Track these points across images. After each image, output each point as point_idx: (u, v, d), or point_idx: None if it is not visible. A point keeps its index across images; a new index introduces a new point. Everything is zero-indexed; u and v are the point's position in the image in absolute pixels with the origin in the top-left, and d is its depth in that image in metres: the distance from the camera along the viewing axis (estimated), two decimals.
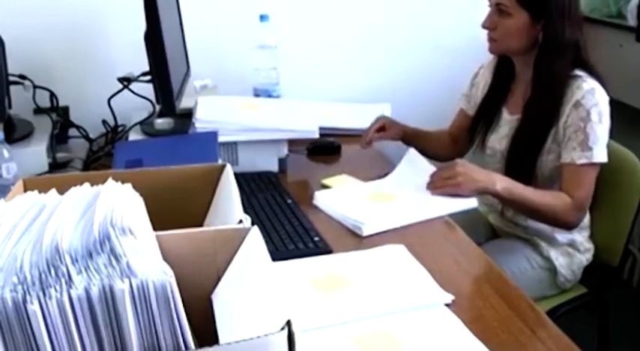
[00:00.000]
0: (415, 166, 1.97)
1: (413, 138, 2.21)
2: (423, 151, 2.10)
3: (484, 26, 1.96)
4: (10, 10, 2.29)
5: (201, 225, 1.35)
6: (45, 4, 2.37)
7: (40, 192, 0.99)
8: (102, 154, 2.10)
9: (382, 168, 2.06)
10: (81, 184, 1.01)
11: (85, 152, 2.16)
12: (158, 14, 1.89)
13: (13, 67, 2.07)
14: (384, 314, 1.32)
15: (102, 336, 0.78)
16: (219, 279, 1.04)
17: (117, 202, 0.91)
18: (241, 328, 0.91)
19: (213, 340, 0.89)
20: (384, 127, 2.19)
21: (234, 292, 1.00)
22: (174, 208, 1.21)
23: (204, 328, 0.96)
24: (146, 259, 0.80)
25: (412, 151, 2.04)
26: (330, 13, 2.66)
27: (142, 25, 1.95)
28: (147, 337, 0.79)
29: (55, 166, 2.00)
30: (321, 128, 2.09)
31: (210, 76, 2.42)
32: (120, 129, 2.20)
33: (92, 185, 0.99)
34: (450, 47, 2.72)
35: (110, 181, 0.98)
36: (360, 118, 2.36)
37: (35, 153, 1.97)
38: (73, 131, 2.23)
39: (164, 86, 1.93)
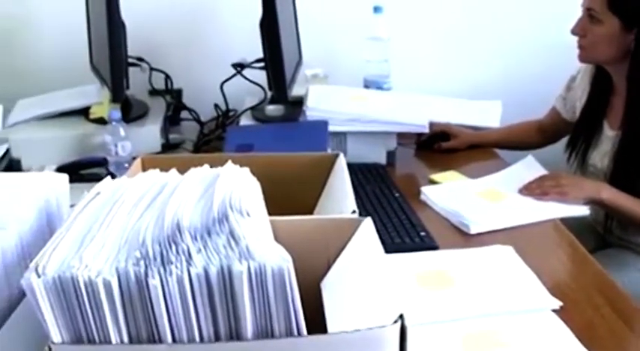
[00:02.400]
0: (530, 169, 1.92)
1: (488, 146, 2.18)
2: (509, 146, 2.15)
3: (573, 32, 1.88)
4: None
5: (310, 213, 1.35)
6: None
7: (155, 170, 1.01)
8: (212, 138, 2.14)
9: (492, 166, 2.01)
10: (196, 164, 1.02)
11: (195, 135, 2.19)
12: (275, 2, 1.90)
13: (132, 50, 2.12)
14: (490, 315, 1.29)
15: (217, 316, 0.78)
16: (329, 267, 1.04)
17: (235, 185, 0.92)
18: (350, 317, 0.90)
19: (321, 327, 0.88)
20: (447, 135, 2.16)
21: (344, 281, 1.00)
22: (285, 194, 1.21)
23: (310, 314, 0.95)
24: (265, 242, 0.80)
25: (530, 158, 1.98)
26: (444, 7, 2.61)
27: (257, 12, 1.96)
28: (261, 321, 0.79)
29: (168, 147, 2.05)
30: (430, 123, 2.06)
31: (322, 66, 2.42)
32: (231, 114, 2.22)
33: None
34: (568, 45, 2.63)
35: (229, 163, 0.99)
36: (470, 115, 2.32)
37: (149, 133, 2.02)
38: (185, 114, 2.27)
39: (277, 73, 1.94)
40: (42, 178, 1.04)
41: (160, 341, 0.79)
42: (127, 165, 1.90)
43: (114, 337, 0.79)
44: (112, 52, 1.96)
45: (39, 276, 0.77)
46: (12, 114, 2.20)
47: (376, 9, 2.34)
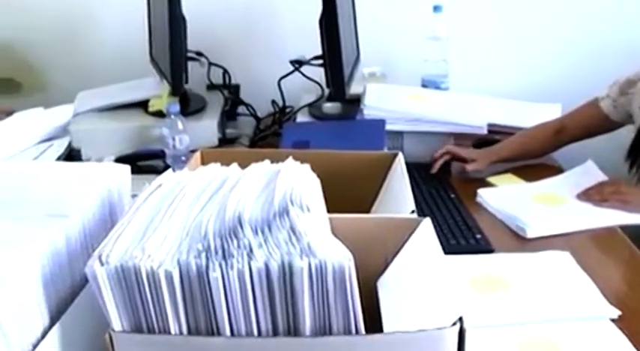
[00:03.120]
0: (589, 174, 1.88)
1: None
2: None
3: None
4: None
5: (366, 211, 1.35)
6: None
7: (216, 164, 1.02)
8: (269, 133, 2.15)
9: (549, 170, 1.98)
10: (254, 159, 1.03)
11: (252, 130, 2.21)
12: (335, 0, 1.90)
13: (191, 44, 2.14)
14: (547, 322, 1.27)
15: (276, 311, 0.78)
16: (386, 266, 1.03)
17: (296, 181, 0.92)
18: (407, 318, 0.90)
19: (375, 326, 0.88)
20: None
21: (401, 281, 0.99)
22: (341, 191, 1.21)
23: (365, 313, 0.95)
24: (326, 239, 0.80)
25: (590, 163, 1.94)
26: (505, 8, 2.58)
27: (316, 9, 1.96)
28: (319, 317, 0.79)
29: (224, 141, 2.06)
30: (488, 124, 2.03)
31: (379, 64, 2.41)
32: (287, 110, 2.23)
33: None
34: (631, 47, 2.58)
35: (290, 160, 0.99)
36: (528, 117, 2.28)
37: (207, 127, 2.04)
38: (241, 109, 2.29)
39: (336, 71, 1.94)
40: (105, 168, 1.06)
41: (219, 334, 0.79)
42: (183, 158, 1.92)
43: (173, 328, 0.79)
44: (172, 46, 1.98)
45: (102, 264, 0.78)
46: (73, 105, 2.24)
47: (436, 8, 2.32)
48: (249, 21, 2.48)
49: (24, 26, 2.53)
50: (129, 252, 0.79)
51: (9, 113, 2.29)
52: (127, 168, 1.07)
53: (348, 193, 1.27)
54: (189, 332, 0.80)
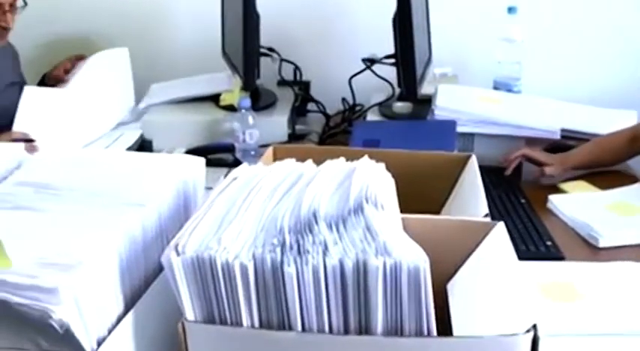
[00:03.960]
0: None
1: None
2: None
3: None
4: None
5: (436, 212, 1.33)
6: None
7: (291, 160, 1.02)
8: (338, 131, 2.14)
9: (624, 179, 1.93)
10: (327, 156, 1.03)
11: (321, 127, 2.21)
12: None
13: (263, 40, 2.16)
14: (620, 335, 1.24)
15: (349, 308, 0.78)
16: (456, 269, 1.02)
17: (372, 179, 0.92)
18: (477, 322, 0.88)
19: (444, 329, 0.87)
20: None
21: (473, 284, 0.98)
22: (411, 191, 1.20)
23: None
24: (402, 239, 0.79)
25: None
26: (582, 11, 2.53)
27: (390, 8, 1.95)
28: (391, 318, 0.78)
29: (294, 137, 2.07)
30: (561, 130, 1.99)
31: (451, 65, 2.39)
32: (357, 108, 2.23)
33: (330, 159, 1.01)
34: None
35: (366, 158, 0.99)
36: (602, 124, 2.23)
37: (277, 123, 2.05)
38: (311, 106, 2.30)
39: (408, 70, 1.93)
40: (181, 160, 1.07)
41: (290, 328, 0.79)
42: (253, 153, 1.94)
43: (245, 320, 0.80)
44: (245, 41, 2.00)
45: (178, 254, 0.79)
46: (146, 97, 2.28)
47: (510, 9, 2.29)
48: (323, 18, 2.48)
49: (101, 19, 2.58)
50: (205, 243, 0.80)
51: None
52: (202, 161, 1.08)
53: (419, 193, 1.26)
54: (261, 325, 0.80)
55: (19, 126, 1.96)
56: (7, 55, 2.33)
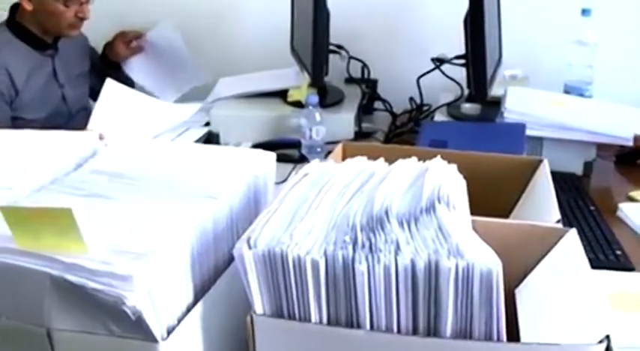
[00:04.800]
0: None
1: None
2: None
3: None
4: None
5: (505, 216, 1.32)
6: None
7: (363, 158, 1.02)
8: (405, 130, 2.13)
9: None
10: (397, 155, 1.02)
11: (387, 125, 2.20)
12: None
13: (332, 37, 2.16)
14: None
15: (418, 309, 0.78)
16: (525, 274, 1.01)
17: (444, 180, 0.91)
18: (547, 329, 0.87)
19: (512, 334, 0.85)
20: None
21: (543, 291, 0.96)
22: (479, 194, 1.18)
23: None
24: (474, 242, 0.78)
25: None
26: None
27: (461, 7, 1.93)
28: (461, 320, 0.78)
29: (360, 135, 2.07)
30: (634, 136, 1.94)
31: (520, 67, 2.35)
32: (425, 108, 2.21)
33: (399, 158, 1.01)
34: None
35: (438, 158, 0.98)
36: None
37: (344, 120, 2.05)
38: (378, 104, 2.28)
39: (478, 71, 1.90)
40: (252, 154, 1.08)
41: (358, 326, 0.79)
42: (319, 149, 1.94)
43: (314, 316, 0.80)
44: (315, 38, 2.00)
45: (250, 248, 0.79)
46: (214, 91, 2.30)
47: (584, 11, 2.24)
48: (392, 16, 2.47)
49: (171, 13, 2.61)
50: (277, 238, 0.80)
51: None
52: (273, 156, 1.09)
53: (487, 195, 1.24)
54: (329, 322, 0.80)
55: (96, 119, 2.00)
56: (79, 45, 2.38)
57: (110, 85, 2.08)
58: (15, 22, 2.20)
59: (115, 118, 2.02)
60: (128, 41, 2.44)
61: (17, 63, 2.17)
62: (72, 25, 2.19)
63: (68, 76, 2.31)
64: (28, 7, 2.14)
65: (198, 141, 2.08)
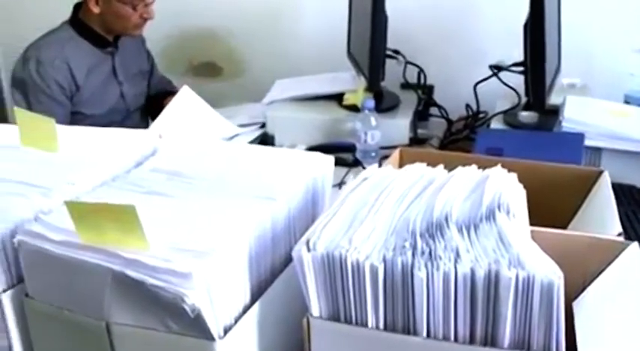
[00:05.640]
0: None
1: None
2: None
3: None
4: None
5: (564, 227, 1.30)
6: None
7: (422, 164, 1.01)
8: (460, 137, 2.11)
9: None
10: (453, 162, 1.02)
11: (442, 131, 2.19)
12: (544, 5, 1.84)
13: (389, 41, 2.16)
14: None
15: (476, 318, 0.77)
16: (584, 287, 0.99)
17: (504, 188, 0.90)
18: (604, 344, 0.85)
19: (568, 347, 0.84)
20: None
21: (601, 304, 0.94)
22: (537, 204, 1.17)
23: None
24: (535, 252, 0.77)
25: None
26: None
27: (519, 13, 1.91)
28: (519, 331, 0.77)
29: (415, 141, 2.06)
30: None
31: (579, 75, 2.32)
32: (481, 115, 2.19)
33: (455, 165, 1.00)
34: None
35: (498, 167, 0.97)
36: None
37: (399, 125, 2.04)
38: (433, 110, 2.27)
39: (537, 79, 1.88)
40: (310, 156, 1.08)
41: (415, 333, 0.79)
42: (373, 154, 1.94)
43: (371, 321, 0.80)
44: (372, 43, 2.01)
45: (309, 250, 0.80)
46: (270, 92, 2.32)
47: None
48: (450, 22, 2.46)
49: (228, 13, 2.64)
50: (336, 241, 0.80)
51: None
52: (331, 159, 1.09)
53: (544, 205, 1.23)
54: (386, 328, 0.80)
55: (162, 120, 2.07)
56: (137, 44, 2.42)
57: (185, 91, 2.13)
58: (78, 20, 2.24)
59: (179, 122, 2.06)
60: None
61: (78, 59, 2.21)
62: (137, 26, 2.22)
63: (127, 74, 2.35)
64: (96, 10, 2.18)
65: (252, 142, 2.09)
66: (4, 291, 0.90)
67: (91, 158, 1.07)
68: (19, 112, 1.12)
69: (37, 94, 2.16)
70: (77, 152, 1.10)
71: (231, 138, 2.12)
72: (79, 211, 0.84)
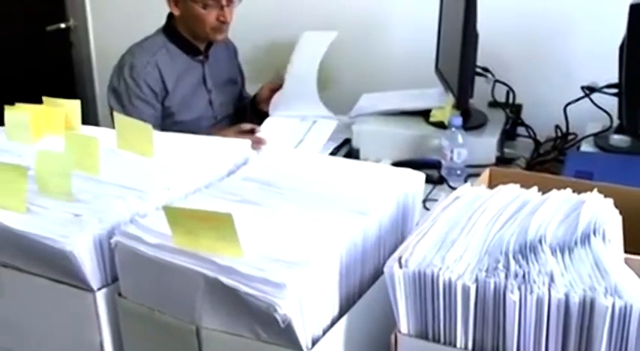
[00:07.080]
0: None
1: None
2: None
3: None
4: None
5: None
6: (512, 3, 2.41)
7: (515, 185, 1.00)
8: (548, 159, 2.08)
9: None
10: (545, 184, 1.00)
11: (529, 152, 2.15)
12: None
13: (479, 60, 2.14)
14: None
15: (568, 345, 0.76)
16: None
17: (600, 213, 0.88)
18: None
19: None
20: None
21: None
22: (632, 230, 1.14)
23: None
24: (633, 281, 0.76)
25: None
26: None
27: (614, 34, 1.87)
28: None
29: (501, 161, 2.03)
30: None
31: None
32: (570, 137, 2.15)
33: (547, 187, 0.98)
34: None
35: (595, 192, 0.95)
36: None
37: (486, 144, 2.02)
38: (521, 130, 2.24)
39: (632, 103, 1.83)
40: (401, 172, 1.08)
41: None
42: (459, 172, 1.92)
43: (460, 341, 0.80)
44: (462, 60, 1.99)
45: (401, 267, 0.80)
46: (356, 106, 2.33)
47: None
48: (542, 41, 2.42)
49: (317, 26, 2.66)
50: (428, 259, 0.80)
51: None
52: (422, 176, 1.09)
53: (637, 232, 1.20)
54: (474, 348, 0.80)
55: (266, 126, 2.21)
56: (227, 51, 2.47)
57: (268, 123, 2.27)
58: (170, 27, 2.31)
59: (279, 131, 2.18)
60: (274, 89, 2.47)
61: (169, 65, 2.28)
62: (215, 29, 2.26)
63: (216, 83, 2.40)
64: (176, 11, 2.26)
65: (333, 153, 2.12)
66: (99, 289, 0.94)
67: (185, 165, 1.10)
68: (118, 117, 1.16)
69: (131, 97, 2.23)
70: (172, 158, 1.13)
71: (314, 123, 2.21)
72: (176, 215, 0.86)
